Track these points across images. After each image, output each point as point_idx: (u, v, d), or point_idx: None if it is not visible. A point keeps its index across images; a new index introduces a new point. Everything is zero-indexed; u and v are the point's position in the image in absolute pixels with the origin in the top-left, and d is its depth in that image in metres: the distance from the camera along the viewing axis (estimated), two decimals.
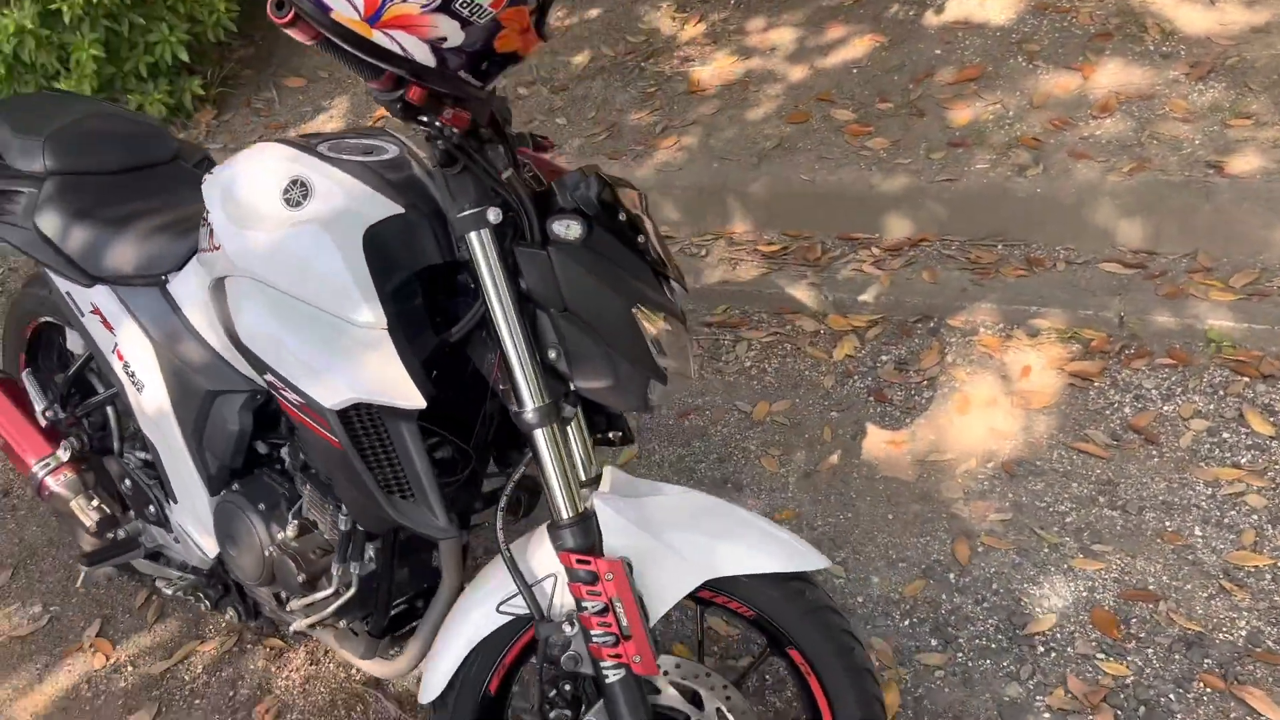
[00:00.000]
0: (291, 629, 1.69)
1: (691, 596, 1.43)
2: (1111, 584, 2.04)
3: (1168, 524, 2.15)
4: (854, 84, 3.58)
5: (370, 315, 1.33)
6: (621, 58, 4.03)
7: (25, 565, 2.44)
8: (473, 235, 1.30)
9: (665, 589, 1.37)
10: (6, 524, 2.60)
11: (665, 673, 1.44)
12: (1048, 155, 3.09)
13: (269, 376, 1.41)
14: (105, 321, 1.78)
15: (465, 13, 1.00)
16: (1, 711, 2.07)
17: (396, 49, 1.01)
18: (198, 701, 2.04)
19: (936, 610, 2.05)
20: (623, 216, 1.35)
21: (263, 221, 1.42)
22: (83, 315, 1.84)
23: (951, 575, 2.11)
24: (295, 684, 2.05)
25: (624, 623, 1.33)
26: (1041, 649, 1.94)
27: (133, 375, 1.75)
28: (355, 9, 0.98)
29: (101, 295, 1.79)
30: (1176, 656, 1.88)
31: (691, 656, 1.69)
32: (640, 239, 1.36)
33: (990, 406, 2.52)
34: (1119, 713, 1.80)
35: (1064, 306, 2.69)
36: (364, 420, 1.36)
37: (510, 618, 1.42)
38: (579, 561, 1.33)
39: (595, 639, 1.35)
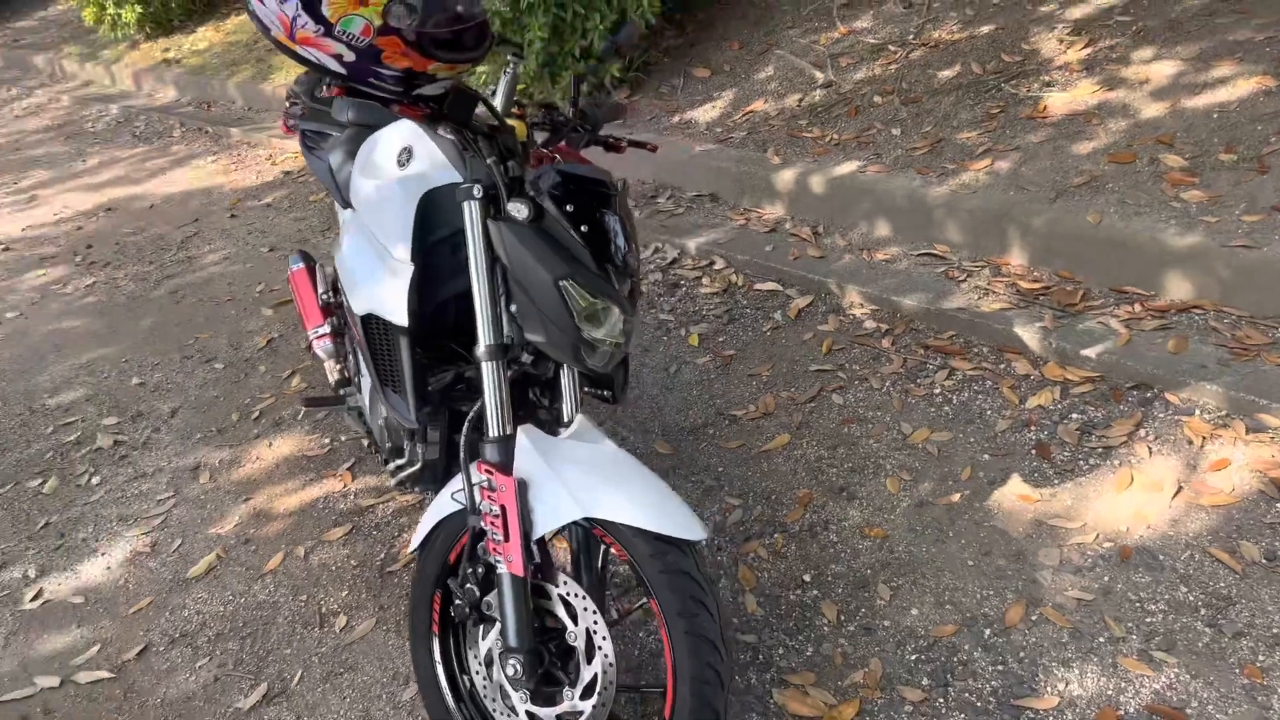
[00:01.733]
0: (390, 484, 2.23)
1: (590, 534, 1.72)
2: (1147, 694, 1.88)
3: (1260, 658, 1.90)
4: (1207, 129, 3.25)
5: (403, 253, 1.79)
6: (986, 76, 3.99)
7: (337, 409, 3.29)
8: (464, 205, 1.70)
9: (549, 514, 1.67)
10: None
11: (555, 587, 1.73)
12: None
13: (339, 285, 1.94)
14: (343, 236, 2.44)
15: (346, 39, 1.39)
16: (272, 501, 2.90)
17: (313, 59, 1.43)
18: (375, 531, 2.69)
19: (951, 656, 2.04)
20: (570, 208, 1.65)
21: (378, 174, 1.94)
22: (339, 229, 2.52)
23: (988, 632, 2.08)
24: None
25: (507, 528, 1.67)
26: None
27: None
28: (281, 30, 1.41)
29: (347, 215, 2.44)
30: None
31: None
32: (584, 228, 1.65)
33: (1153, 490, 2.32)
34: None
35: None
36: (378, 329, 1.83)
37: (461, 506, 1.81)
38: (486, 471, 1.69)
39: (489, 535, 1.70)
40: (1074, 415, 2.60)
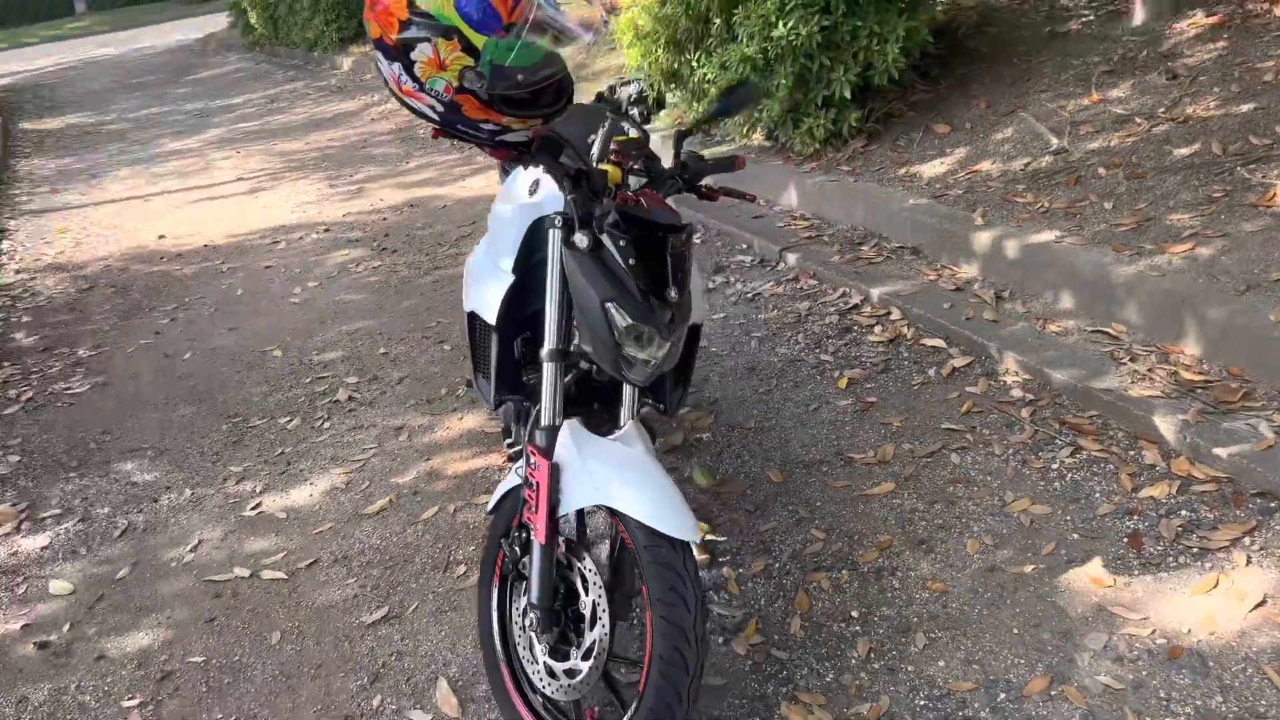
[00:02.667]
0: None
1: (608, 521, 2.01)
2: None
3: None
4: None
5: (506, 265, 2.17)
6: (1224, 157, 3.81)
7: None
8: (549, 231, 2.05)
9: (573, 496, 1.97)
10: None
11: (579, 562, 2.03)
12: None
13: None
14: None
15: (434, 95, 1.76)
16: (446, 464, 3.39)
17: (416, 108, 1.81)
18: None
19: (958, 709, 2.12)
20: (622, 243, 1.94)
21: (512, 198, 2.34)
22: None
23: (1003, 696, 2.13)
24: None
25: (538, 501, 1.99)
26: None
27: None
28: (394, 83, 1.81)
29: None
30: None
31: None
32: (632, 260, 1.94)
33: (1235, 599, 2.25)
34: None
35: None
36: (477, 324, 2.22)
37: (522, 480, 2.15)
38: (531, 452, 2.02)
39: (527, 507, 2.03)
40: (1183, 512, 2.53)
